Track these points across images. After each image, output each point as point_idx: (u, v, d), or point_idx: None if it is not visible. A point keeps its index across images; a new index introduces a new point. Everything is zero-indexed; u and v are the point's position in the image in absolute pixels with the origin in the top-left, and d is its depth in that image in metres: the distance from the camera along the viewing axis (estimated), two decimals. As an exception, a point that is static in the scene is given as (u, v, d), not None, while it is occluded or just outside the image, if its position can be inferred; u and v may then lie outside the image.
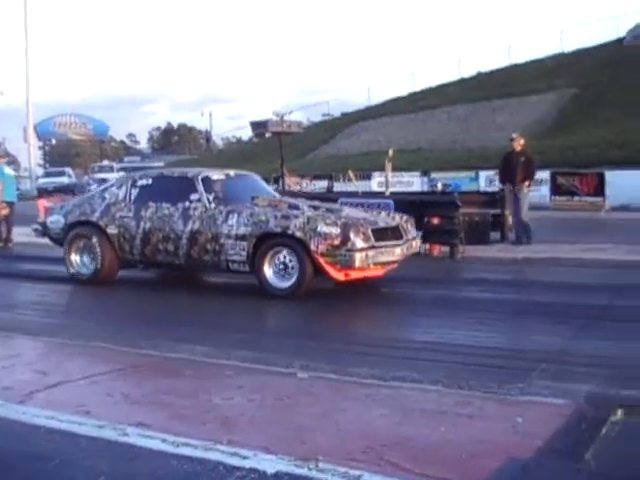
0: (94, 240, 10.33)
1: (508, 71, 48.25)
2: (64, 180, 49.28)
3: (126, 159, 79.43)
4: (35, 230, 11.96)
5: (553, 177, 25.51)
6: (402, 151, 33.16)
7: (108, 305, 9.48)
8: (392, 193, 16.52)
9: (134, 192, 10.41)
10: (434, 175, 29.61)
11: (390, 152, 18.27)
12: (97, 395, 5.04)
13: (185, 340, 6.79)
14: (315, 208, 9.72)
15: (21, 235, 16.22)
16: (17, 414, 4.58)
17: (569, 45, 51.00)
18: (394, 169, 23.51)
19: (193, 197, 9.80)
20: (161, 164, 64.39)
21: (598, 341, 6.73)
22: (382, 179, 23.20)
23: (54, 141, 74.76)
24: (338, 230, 8.76)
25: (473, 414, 4.52)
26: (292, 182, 25.78)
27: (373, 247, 8.90)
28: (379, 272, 9.28)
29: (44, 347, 6.83)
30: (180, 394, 5.04)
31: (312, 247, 8.78)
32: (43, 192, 46.78)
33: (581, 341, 6.73)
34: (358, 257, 8.71)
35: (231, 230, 9.33)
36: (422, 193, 22.44)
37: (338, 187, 27.08)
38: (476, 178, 27.66)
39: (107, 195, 10.66)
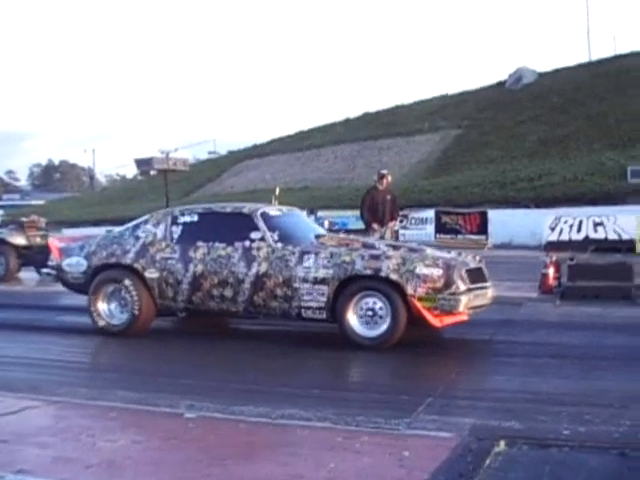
0: (128, 285, 9.10)
1: (394, 111, 49.29)
2: None
3: (5, 196, 77.00)
4: (47, 275, 10.45)
5: (437, 216, 26.18)
6: (289, 189, 33.40)
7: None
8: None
9: (176, 230, 9.24)
10: (320, 213, 29.85)
11: (277, 190, 18.38)
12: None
13: (67, 384, 6.60)
14: (395, 247, 8.80)
15: None
16: None
17: (453, 87, 52.74)
18: (281, 207, 23.64)
19: (254, 235, 8.72)
20: (41, 202, 62.69)
21: (480, 375, 6.91)
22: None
23: None
24: (440, 272, 7.90)
25: (361, 450, 4.55)
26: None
27: (469, 290, 8.06)
28: (465, 317, 8.21)
29: None
30: (63, 437, 4.88)
31: (409, 291, 7.87)
32: None
33: (465, 376, 6.88)
34: (464, 301, 7.89)
35: (308, 273, 8.30)
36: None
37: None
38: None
39: (141, 233, 9.39)
